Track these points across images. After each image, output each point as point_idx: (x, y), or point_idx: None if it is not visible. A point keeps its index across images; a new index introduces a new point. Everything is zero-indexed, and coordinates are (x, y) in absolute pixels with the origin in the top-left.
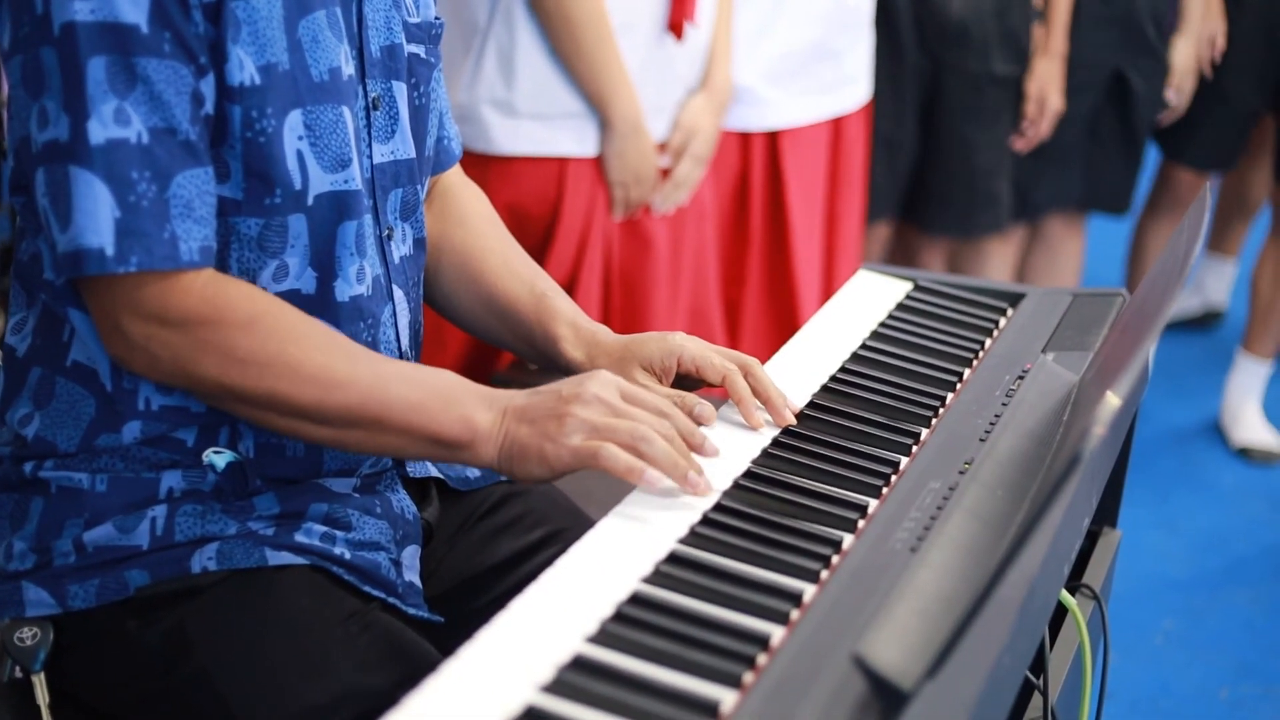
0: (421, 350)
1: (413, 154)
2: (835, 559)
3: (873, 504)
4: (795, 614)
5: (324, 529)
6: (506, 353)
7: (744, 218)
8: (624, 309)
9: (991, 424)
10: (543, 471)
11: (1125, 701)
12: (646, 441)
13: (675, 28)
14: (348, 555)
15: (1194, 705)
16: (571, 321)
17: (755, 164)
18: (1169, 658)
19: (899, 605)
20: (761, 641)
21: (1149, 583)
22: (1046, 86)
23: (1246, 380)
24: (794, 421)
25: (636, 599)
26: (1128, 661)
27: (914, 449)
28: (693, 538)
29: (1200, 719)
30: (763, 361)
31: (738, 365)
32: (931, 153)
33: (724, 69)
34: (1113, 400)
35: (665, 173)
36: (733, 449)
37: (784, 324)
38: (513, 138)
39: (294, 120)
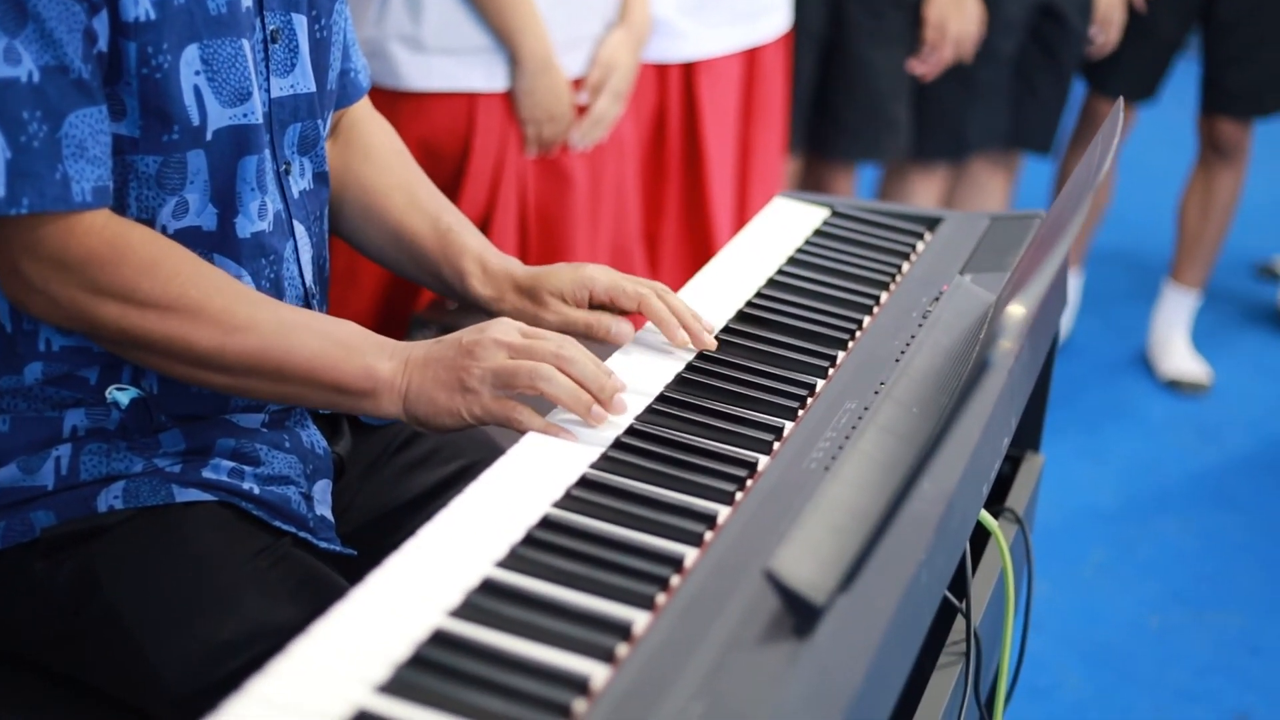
0: (329, 287)
1: (313, 88)
2: (750, 481)
3: (788, 426)
4: (709, 535)
5: (232, 464)
6: (424, 292)
7: (661, 151)
8: (542, 246)
9: (907, 345)
10: (451, 422)
11: (1055, 632)
12: (546, 380)
13: None
14: (256, 490)
15: (1125, 634)
16: (479, 257)
17: (672, 97)
18: (1099, 587)
19: (812, 520)
20: (674, 563)
21: (1078, 514)
22: (945, 10)
23: (1174, 311)
24: (713, 344)
25: (547, 522)
26: (1058, 593)
27: (830, 371)
28: (605, 462)
29: (1131, 648)
30: (678, 290)
31: (652, 290)
32: (834, 79)
33: (642, 3)
34: (1017, 310)
35: (583, 109)
36: (647, 374)
37: (701, 256)
38: (422, 73)
39: (190, 55)
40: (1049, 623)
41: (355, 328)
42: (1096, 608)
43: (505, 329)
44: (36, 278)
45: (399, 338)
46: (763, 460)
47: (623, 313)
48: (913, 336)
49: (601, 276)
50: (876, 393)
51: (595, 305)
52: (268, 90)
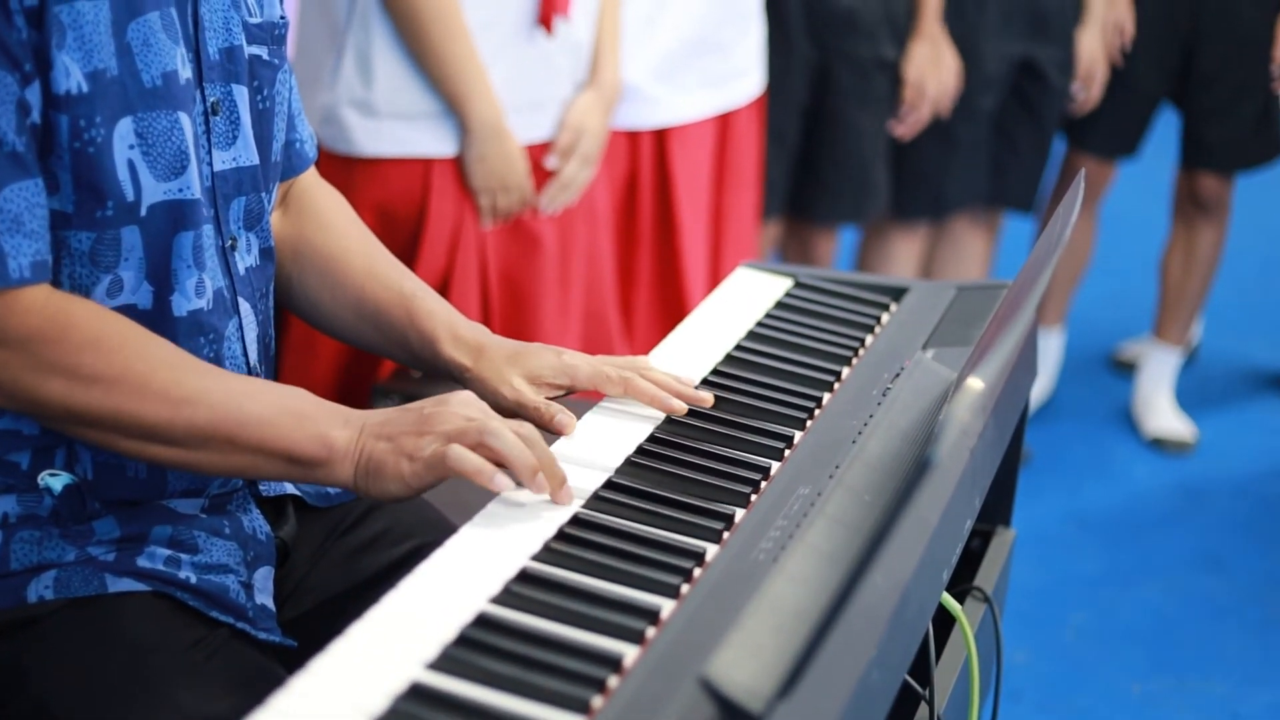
0: (275, 364)
1: (256, 160)
2: (697, 572)
3: (739, 513)
4: (651, 632)
5: (168, 552)
6: (386, 361)
7: (633, 218)
8: (509, 312)
9: (865, 425)
10: (399, 489)
11: (1035, 701)
12: (495, 435)
13: (545, 21)
14: (194, 579)
15: (1106, 701)
16: (448, 321)
17: (644, 163)
18: (1080, 653)
19: (752, 620)
20: (613, 663)
21: (1059, 577)
22: (924, 69)
23: (1158, 369)
24: (709, 399)
25: (482, 620)
26: (1037, 659)
27: (786, 453)
28: (546, 553)
29: (1113, 715)
30: None
31: (633, 370)
32: (819, 143)
33: (612, 66)
34: (974, 386)
35: (552, 174)
36: (596, 457)
37: (674, 323)
38: (374, 138)
39: (124, 128)
40: (1028, 690)
41: (307, 395)
42: (1077, 674)
43: (465, 401)
44: None
45: (361, 407)
46: (711, 550)
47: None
48: (870, 416)
49: (584, 366)
50: (831, 477)
51: (575, 390)
52: (210, 164)
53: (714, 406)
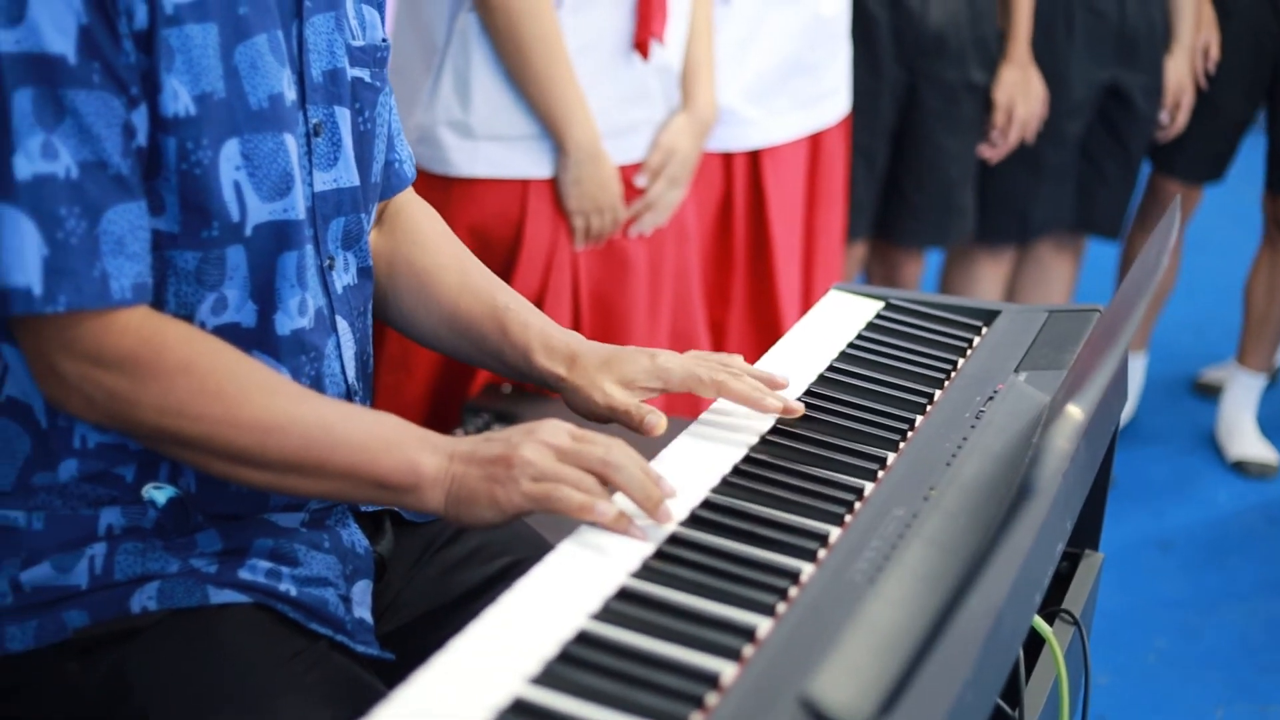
0: (372, 382)
1: (357, 181)
2: (793, 591)
3: (834, 532)
4: (748, 650)
5: (269, 565)
6: (478, 378)
7: (727, 238)
8: (599, 332)
9: (959, 448)
10: (493, 515)
11: None
12: (616, 468)
13: (641, 46)
14: (294, 592)
15: None
16: (541, 331)
17: (737, 184)
18: (1162, 678)
19: (851, 641)
20: (711, 680)
21: (1141, 601)
22: (1013, 94)
23: (1241, 393)
24: (800, 409)
25: (583, 637)
26: (1120, 683)
27: (879, 474)
28: (645, 571)
29: None
30: None
31: (727, 370)
32: (906, 165)
33: (706, 90)
34: (1074, 414)
35: (642, 193)
36: (692, 477)
37: (768, 344)
38: (471, 159)
39: (230, 150)
40: (1111, 714)
41: (398, 421)
42: (1159, 699)
43: (554, 430)
44: (73, 375)
45: (452, 424)
46: (807, 570)
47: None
48: (964, 439)
49: (676, 369)
50: (926, 499)
51: (668, 393)
52: (311, 184)
53: (808, 427)
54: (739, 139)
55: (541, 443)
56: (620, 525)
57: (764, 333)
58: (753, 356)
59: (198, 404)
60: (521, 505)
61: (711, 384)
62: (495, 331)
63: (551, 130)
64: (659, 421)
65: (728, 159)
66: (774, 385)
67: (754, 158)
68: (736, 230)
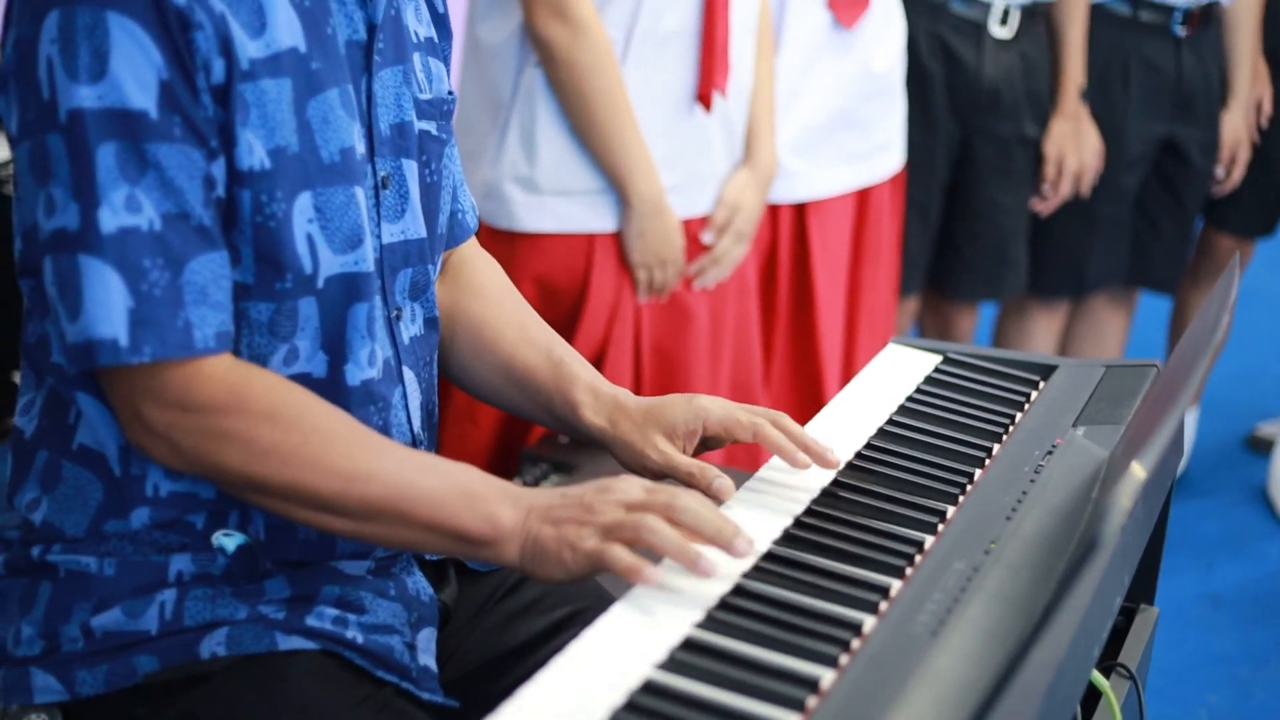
0: (437, 432)
1: (423, 233)
2: (855, 643)
3: (895, 585)
4: (812, 701)
5: (336, 612)
6: (537, 428)
7: (771, 290)
8: (660, 385)
9: (1019, 502)
10: (561, 575)
11: None
12: (651, 531)
13: (704, 99)
14: (360, 639)
15: None
16: (590, 386)
17: (782, 237)
18: None
19: (916, 692)
20: None
21: (1193, 656)
22: (1064, 147)
23: None
24: (837, 462)
25: (649, 687)
26: None
27: (939, 527)
28: (709, 622)
29: None
30: None
31: (767, 418)
32: (959, 218)
33: (767, 144)
34: (1137, 473)
35: (707, 248)
36: (754, 530)
37: (807, 397)
38: (536, 214)
39: (304, 203)
40: None
41: (477, 474)
42: None
43: (630, 487)
44: (159, 424)
45: (510, 472)
46: (869, 621)
47: (736, 443)
48: (1024, 493)
49: (715, 409)
50: (986, 552)
51: (709, 437)
52: (379, 236)
53: (868, 480)
54: (784, 191)
55: (614, 501)
56: (685, 559)
57: (804, 385)
58: (791, 407)
59: (282, 450)
60: (584, 566)
61: (749, 426)
62: (548, 384)
63: (616, 184)
64: (727, 485)
65: (773, 211)
66: (809, 448)
67: (800, 210)
68: (780, 283)
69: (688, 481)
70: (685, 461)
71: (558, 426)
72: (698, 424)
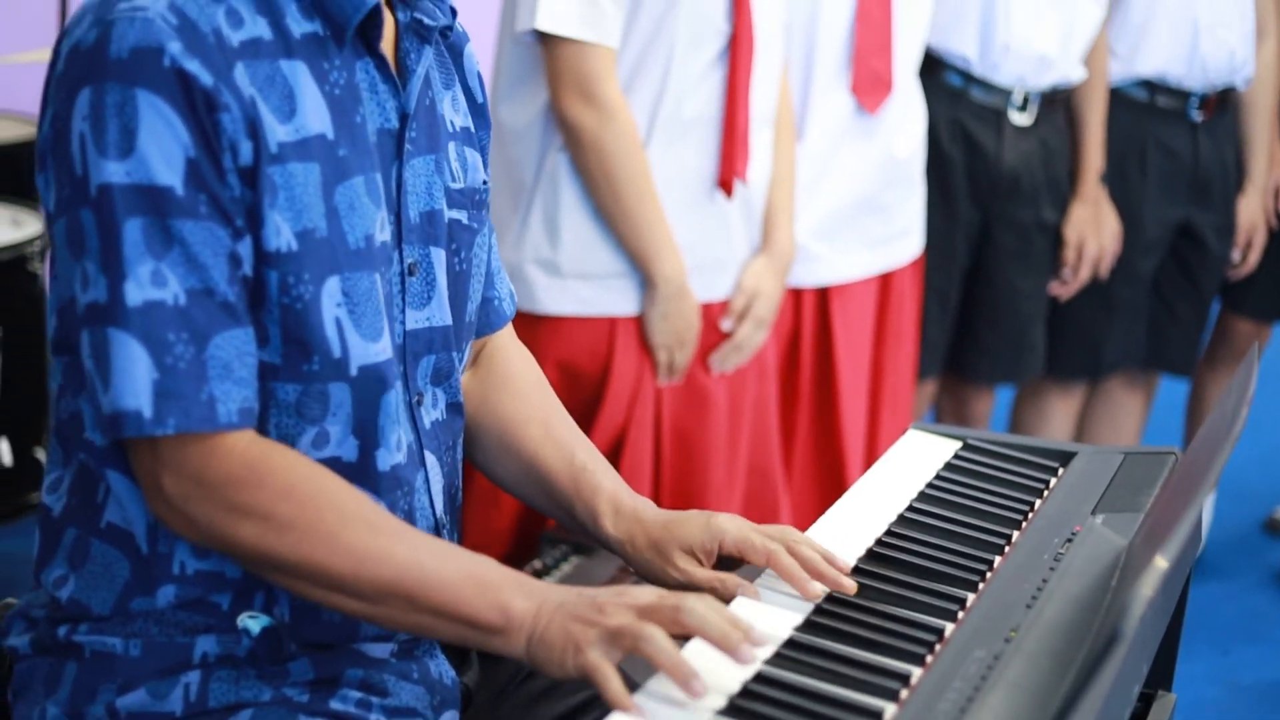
0: (460, 515)
1: (449, 321)
2: None
3: (916, 672)
4: None
5: (359, 695)
6: None
7: (794, 374)
8: (679, 466)
9: (1039, 590)
10: (560, 673)
11: None
12: (646, 640)
13: (725, 185)
14: None
15: None
16: (612, 497)
17: (805, 321)
18: None
19: None
20: None
21: None
22: (1084, 231)
23: None
24: (853, 587)
25: None
26: None
27: (960, 615)
28: (732, 709)
29: None
30: (811, 521)
31: (780, 541)
32: (979, 303)
33: (786, 230)
34: (1160, 565)
35: (726, 336)
36: (776, 617)
37: (830, 480)
38: (559, 298)
39: (332, 287)
40: None
41: (492, 563)
42: None
43: (645, 594)
44: (177, 496)
45: (529, 553)
46: (890, 709)
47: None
48: (1044, 581)
49: (731, 529)
50: (1007, 640)
51: (725, 557)
52: (403, 323)
53: (888, 567)
54: (808, 275)
55: (625, 605)
56: (679, 673)
57: (827, 469)
58: (815, 491)
59: (298, 527)
60: (579, 677)
61: (763, 551)
62: (570, 488)
63: (641, 266)
64: (750, 593)
65: (796, 295)
66: (824, 575)
67: (823, 295)
68: (803, 366)
69: (711, 594)
70: (705, 575)
71: (576, 530)
72: (714, 544)
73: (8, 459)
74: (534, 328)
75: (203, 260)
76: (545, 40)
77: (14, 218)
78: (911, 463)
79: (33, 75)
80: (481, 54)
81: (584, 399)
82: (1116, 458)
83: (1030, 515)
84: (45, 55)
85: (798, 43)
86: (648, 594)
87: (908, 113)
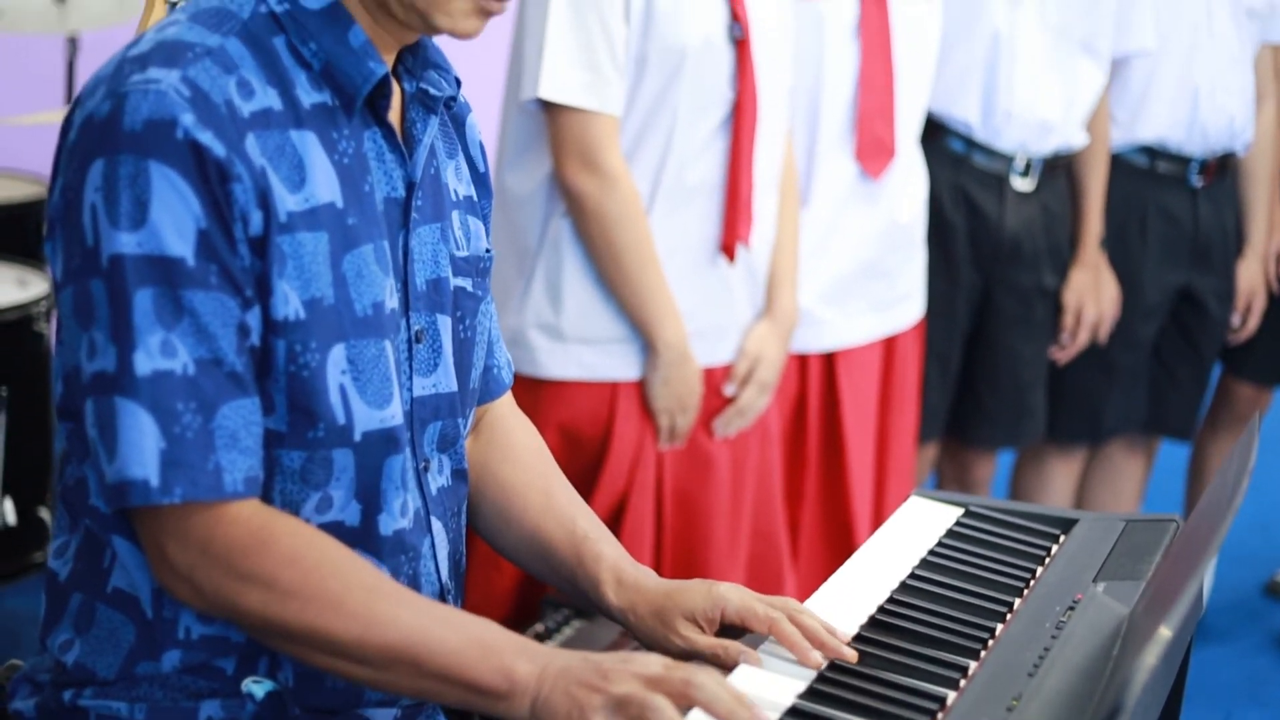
0: (465, 579)
1: (455, 387)
2: None
3: None
4: None
5: None
6: None
7: (801, 438)
8: (681, 531)
9: (1040, 658)
10: None
11: None
12: (656, 711)
13: (728, 250)
14: None
15: None
16: (614, 566)
17: (812, 385)
18: None
19: None
20: None
21: None
22: (1083, 296)
23: None
24: (853, 656)
25: None
26: None
27: (962, 683)
28: None
29: None
30: (816, 587)
31: (783, 610)
32: (979, 368)
33: (789, 295)
34: (1163, 634)
35: (729, 401)
36: (778, 685)
37: (839, 544)
38: (561, 362)
39: (337, 355)
40: None
41: (496, 628)
42: None
43: (650, 661)
44: (181, 564)
45: (530, 617)
46: None
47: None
48: (1046, 650)
49: (734, 598)
50: (1009, 709)
51: (727, 625)
52: (410, 389)
53: (891, 634)
54: (814, 340)
55: (631, 673)
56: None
57: (836, 532)
58: (824, 555)
59: (303, 594)
60: None
61: (765, 619)
62: (571, 557)
63: (643, 331)
64: (753, 660)
65: (802, 360)
66: (825, 645)
67: (829, 359)
68: (810, 431)
69: (714, 662)
70: (708, 643)
71: (577, 599)
72: (716, 612)
73: (12, 518)
74: (536, 392)
75: (212, 330)
76: (549, 108)
77: (20, 278)
78: (914, 530)
79: (39, 135)
80: (487, 120)
81: (585, 463)
82: (1118, 525)
83: (1032, 583)
84: (51, 117)
85: (802, 108)
86: (654, 663)
87: (910, 177)
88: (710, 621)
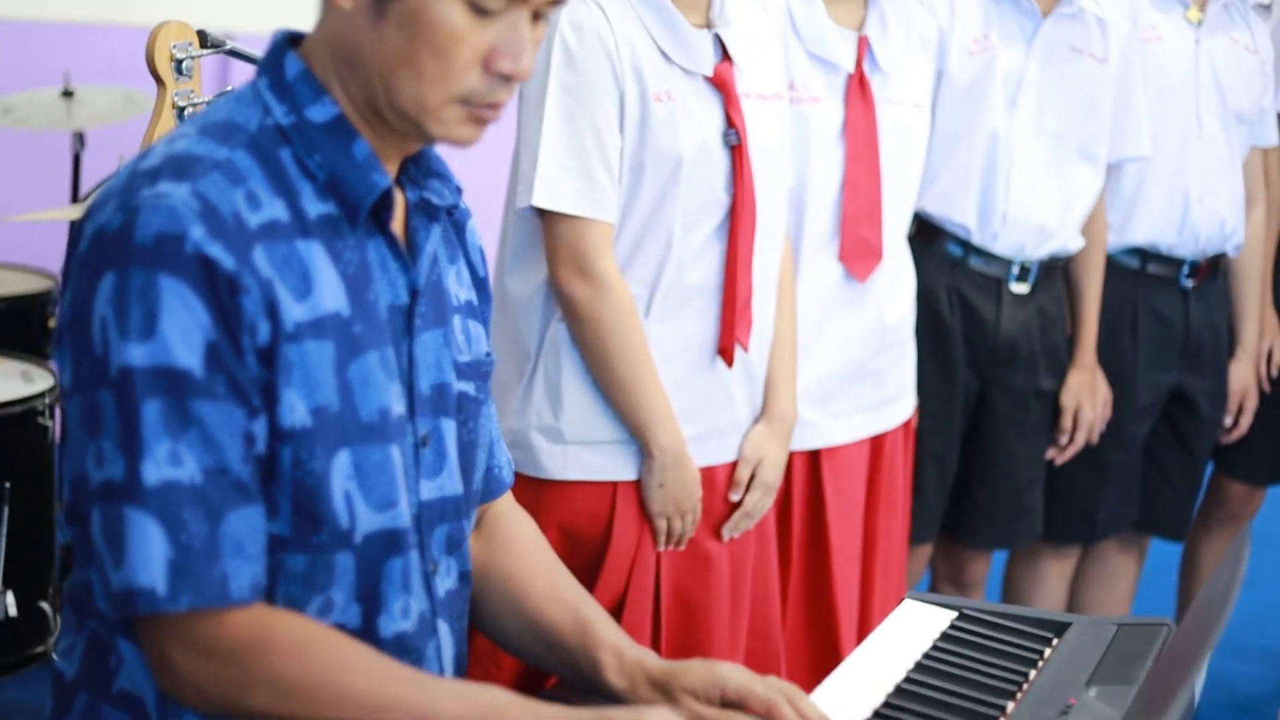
0: (471, 668)
1: (460, 490)
2: None
3: None
4: None
5: None
6: None
7: (785, 538)
8: (680, 630)
9: None
10: None
11: None
12: None
13: (725, 353)
14: None
15: None
16: (615, 648)
17: (796, 485)
18: None
19: None
20: None
21: None
22: (1081, 398)
23: None
24: None
25: None
26: None
27: None
28: None
29: None
30: (804, 688)
31: (781, 693)
32: (976, 468)
33: (787, 394)
34: None
35: (735, 506)
36: None
37: (822, 649)
38: (561, 464)
39: (342, 461)
40: None
41: (503, 693)
42: None
43: (661, 716)
44: (185, 669)
45: None
46: None
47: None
48: None
49: (734, 676)
50: None
51: (727, 704)
52: (417, 493)
53: None
54: (798, 440)
55: None
56: None
57: (819, 633)
58: (808, 658)
59: (307, 686)
60: None
61: (764, 700)
62: (572, 643)
63: (637, 436)
64: None
65: (788, 459)
66: None
67: (814, 457)
68: (794, 530)
69: None
70: (714, 714)
71: (581, 685)
72: (716, 690)
73: (13, 610)
74: (538, 492)
75: (219, 440)
76: (544, 215)
77: (24, 371)
78: (907, 633)
79: (44, 230)
80: (490, 224)
81: (585, 562)
82: (1110, 629)
83: (1025, 686)
84: (57, 214)
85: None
86: (665, 717)
87: (897, 278)
88: (710, 701)
